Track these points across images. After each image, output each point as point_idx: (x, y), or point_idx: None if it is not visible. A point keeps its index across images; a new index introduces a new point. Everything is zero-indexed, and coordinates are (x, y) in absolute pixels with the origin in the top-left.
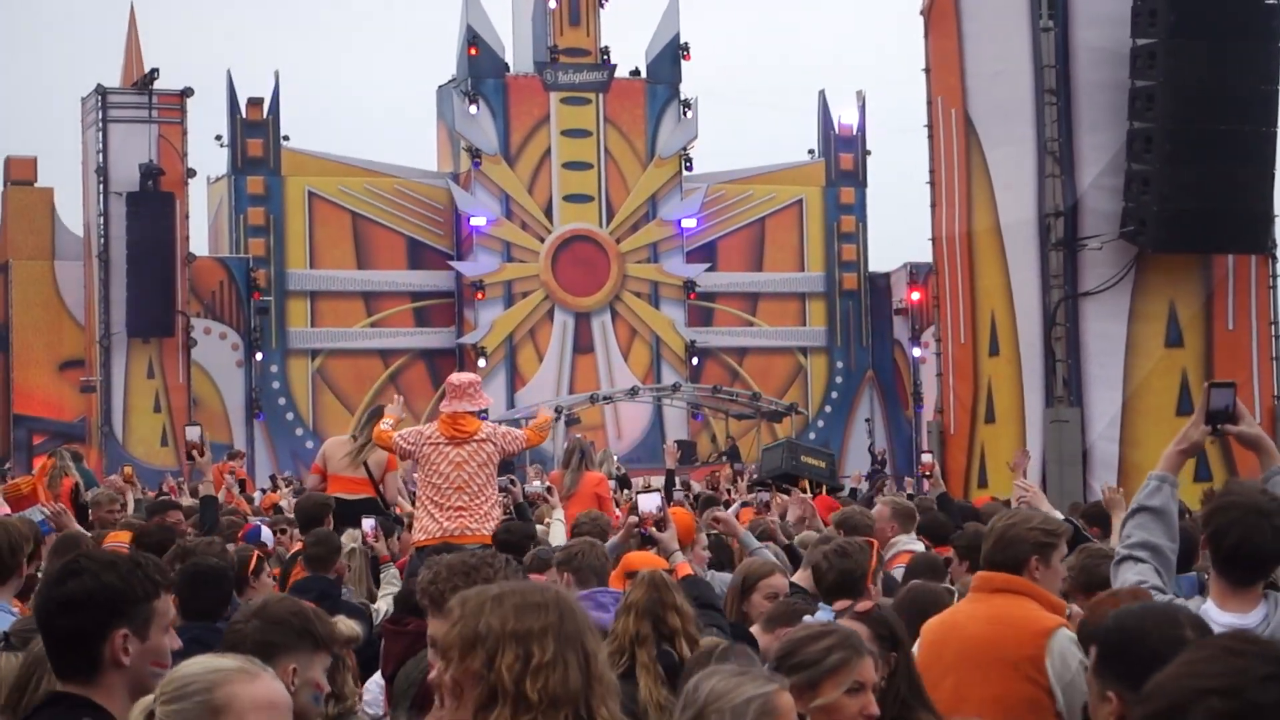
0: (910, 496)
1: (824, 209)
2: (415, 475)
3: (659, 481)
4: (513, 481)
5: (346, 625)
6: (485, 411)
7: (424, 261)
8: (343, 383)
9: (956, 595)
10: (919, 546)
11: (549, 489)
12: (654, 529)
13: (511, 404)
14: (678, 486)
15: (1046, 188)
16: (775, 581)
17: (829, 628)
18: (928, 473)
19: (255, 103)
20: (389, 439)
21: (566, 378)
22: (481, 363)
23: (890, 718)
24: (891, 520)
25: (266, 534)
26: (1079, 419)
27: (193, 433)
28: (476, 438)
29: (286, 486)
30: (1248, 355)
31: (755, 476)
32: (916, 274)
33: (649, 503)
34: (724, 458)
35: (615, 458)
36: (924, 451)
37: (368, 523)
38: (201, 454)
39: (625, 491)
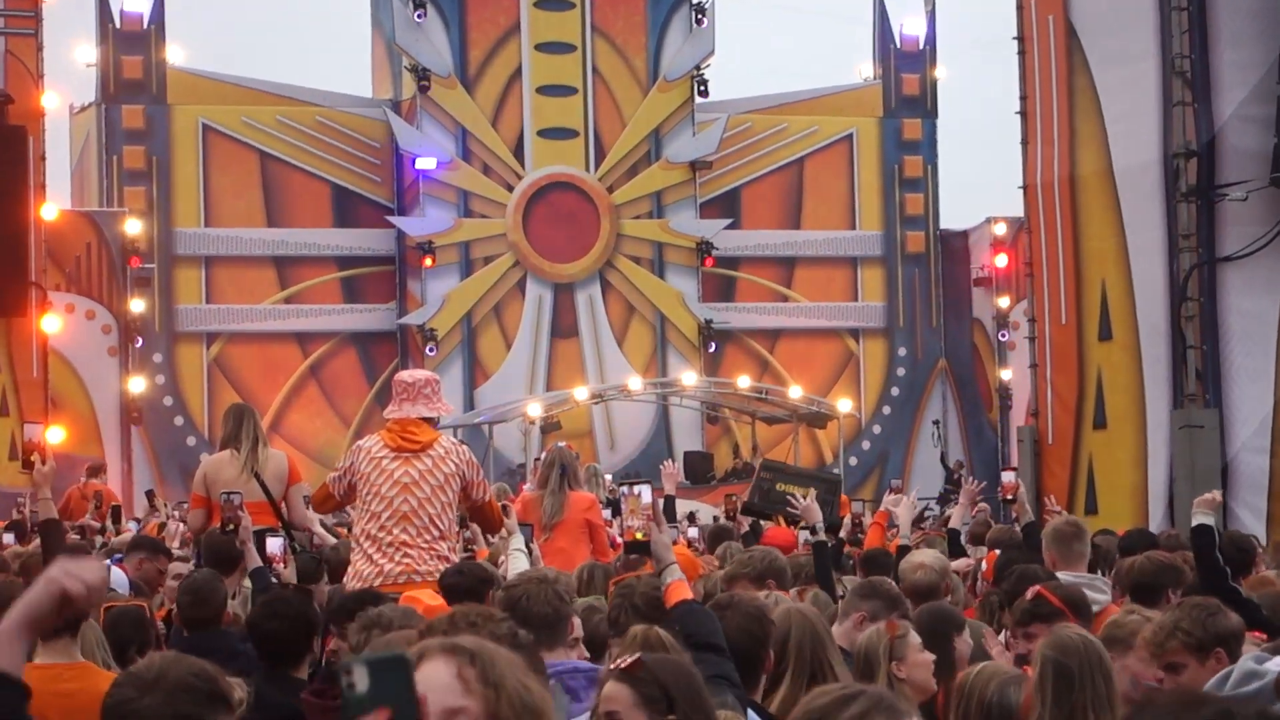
0: (988, 526)
1: (882, 147)
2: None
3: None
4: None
5: (234, 685)
6: (438, 421)
7: (355, 217)
8: (248, 376)
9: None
10: (1103, 594)
11: (504, 507)
12: (642, 534)
13: (470, 404)
14: (683, 522)
15: (1174, 119)
16: None
17: (854, 689)
18: (1009, 496)
19: (132, 10)
20: (324, 483)
21: (542, 370)
22: (430, 350)
23: None
24: (1051, 549)
25: (120, 577)
26: (1217, 423)
27: (32, 431)
28: (433, 451)
29: (173, 512)
30: None
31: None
32: (1003, 232)
33: (644, 497)
34: (740, 477)
35: (607, 477)
36: (1006, 469)
37: (274, 543)
38: (44, 460)
39: (618, 520)
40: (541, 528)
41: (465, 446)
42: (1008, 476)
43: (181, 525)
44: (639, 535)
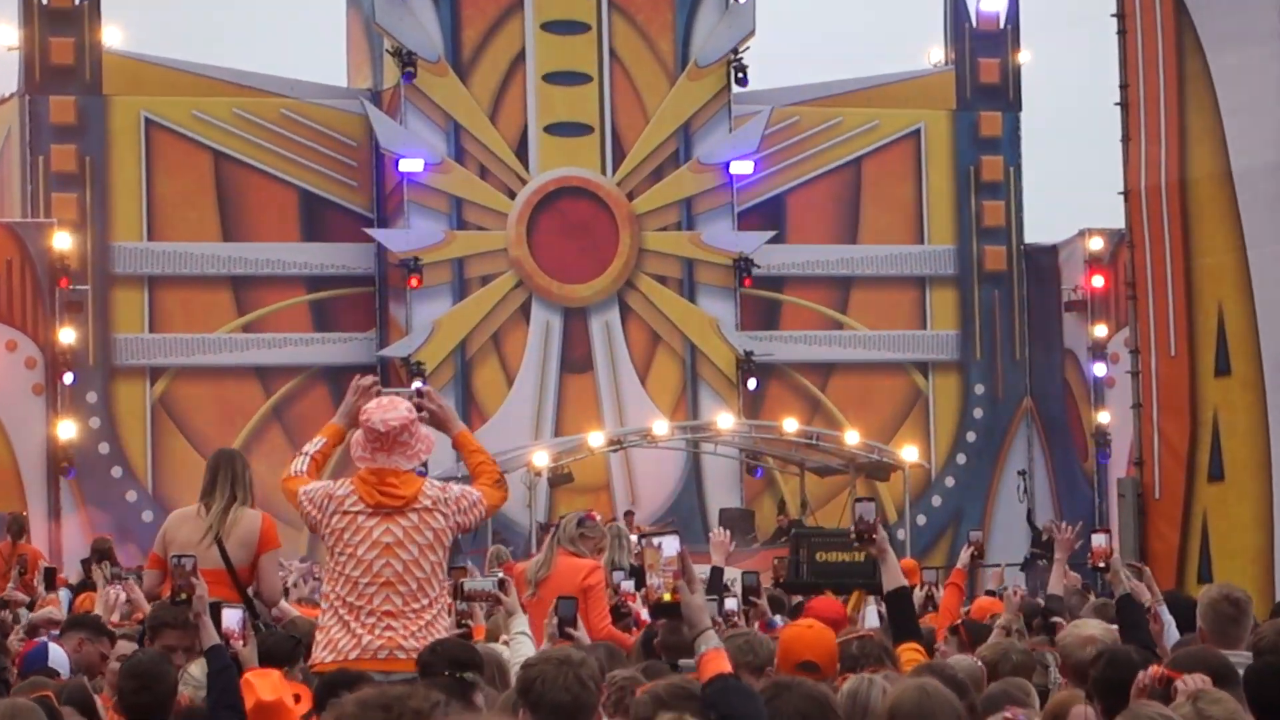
0: (1082, 599)
1: (955, 145)
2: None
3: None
4: (465, 571)
5: None
6: (425, 466)
7: (327, 229)
8: (200, 418)
9: None
10: None
11: (502, 583)
12: (670, 593)
13: None
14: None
15: None
16: None
17: None
18: (1101, 564)
19: None
20: (295, 490)
21: (550, 411)
22: (418, 386)
23: None
24: (1204, 627)
25: (59, 655)
26: None
27: None
28: (418, 505)
29: (111, 579)
30: None
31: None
32: (1099, 247)
33: (667, 548)
34: (784, 539)
35: (632, 538)
36: (1097, 531)
37: (231, 615)
38: None
39: (642, 590)
40: (526, 581)
41: (450, 485)
42: (1099, 540)
43: (122, 595)
44: (665, 596)
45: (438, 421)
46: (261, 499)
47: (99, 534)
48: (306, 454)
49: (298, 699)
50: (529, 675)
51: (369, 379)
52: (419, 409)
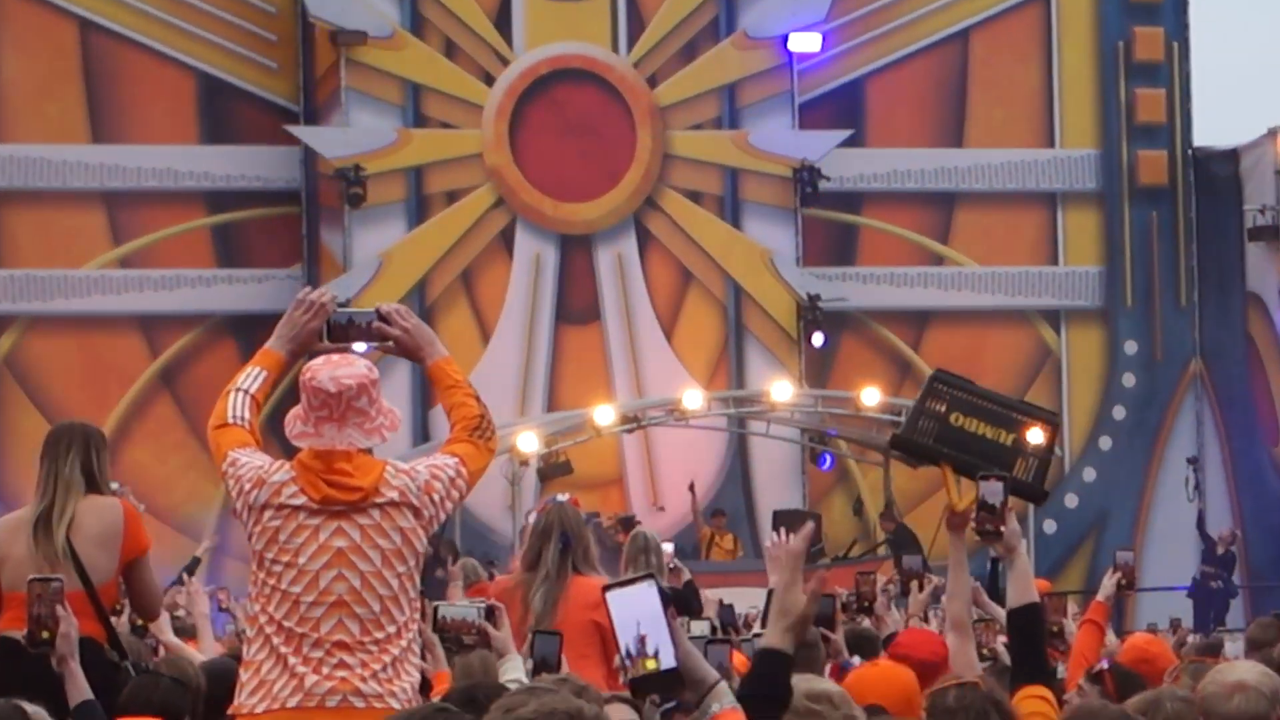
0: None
1: (1098, 13)
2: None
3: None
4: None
5: None
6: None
7: (236, 127)
8: (61, 384)
9: None
10: None
11: (488, 612)
12: (648, 662)
13: (423, 434)
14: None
15: None
16: None
17: None
18: None
19: None
20: (226, 447)
21: (541, 377)
22: (360, 346)
23: None
24: None
25: None
26: None
27: None
28: (380, 498)
29: None
30: None
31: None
32: None
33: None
34: (883, 549)
35: (668, 548)
36: None
37: None
38: None
39: (681, 619)
40: (525, 629)
41: (416, 465)
42: None
43: None
44: (649, 664)
45: (409, 348)
46: (144, 494)
47: None
48: (245, 391)
49: None
50: None
51: (321, 291)
52: (383, 336)
